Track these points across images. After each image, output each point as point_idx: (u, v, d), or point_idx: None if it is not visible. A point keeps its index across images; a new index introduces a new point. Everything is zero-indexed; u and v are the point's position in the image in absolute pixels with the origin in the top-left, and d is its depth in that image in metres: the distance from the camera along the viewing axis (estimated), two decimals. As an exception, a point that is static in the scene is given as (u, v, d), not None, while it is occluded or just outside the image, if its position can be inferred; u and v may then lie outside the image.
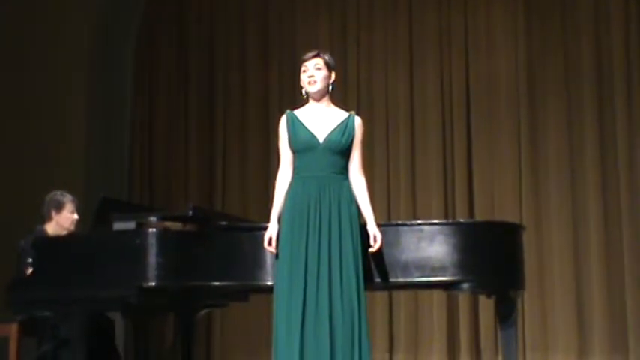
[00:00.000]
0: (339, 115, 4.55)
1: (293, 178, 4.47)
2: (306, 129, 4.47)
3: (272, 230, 4.45)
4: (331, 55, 4.68)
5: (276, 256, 4.42)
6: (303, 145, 4.45)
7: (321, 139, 4.45)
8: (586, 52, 7.88)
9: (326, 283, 4.28)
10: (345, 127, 4.49)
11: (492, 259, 4.88)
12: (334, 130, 4.47)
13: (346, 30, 8.48)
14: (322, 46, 8.08)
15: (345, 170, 4.49)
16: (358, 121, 4.55)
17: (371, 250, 4.45)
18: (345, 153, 4.48)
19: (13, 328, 5.51)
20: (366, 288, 4.40)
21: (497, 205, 7.91)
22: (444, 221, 6.15)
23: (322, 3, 8.61)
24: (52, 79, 8.15)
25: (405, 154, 8.16)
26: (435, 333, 7.82)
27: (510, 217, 7.26)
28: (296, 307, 4.25)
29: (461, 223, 5.27)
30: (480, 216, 7.80)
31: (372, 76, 8.37)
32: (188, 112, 8.79)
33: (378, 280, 4.67)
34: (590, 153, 7.75)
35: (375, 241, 4.45)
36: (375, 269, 4.65)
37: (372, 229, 4.47)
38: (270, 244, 4.44)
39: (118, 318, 6.11)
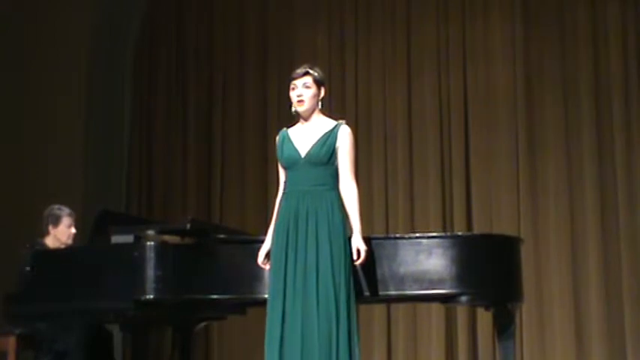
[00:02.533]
0: (326, 126, 4.51)
1: (282, 194, 4.51)
2: (292, 145, 4.48)
3: (264, 247, 4.53)
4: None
5: None
6: (288, 161, 4.48)
7: (303, 153, 4.45)
8: (584, 63, 7.89)
9: (300, 296, 4.28)
10: (327, 138, 4.46)
11: (490, 271, 4.88)
12: (316, 142, 4.45)
13: (344, 41, 8.47)
14: (320, 56, 8.13)
15: (331, 181, 4.45)
16: (343, 130, 4.49)
17: (355, 263, 4.39)
18: (329, 164, 4.45)
19: (11, 342, 5.50)
20: (356, 300, 4.38)
21: (496, 217, 7.90)
22: (442, 234, 6.12)
23: (321, 10, 8.61)
24: (51, 79, 8.14)
25: (403, 165, 8.14)
26: (433, 346, 7.80)
27: (508, 230, 7.27)
28: (276, 322, 4.28)
29: (459, 236, 5.27)
30: (478, 229, 7.78)
31: (370, 88, 8.37)
32: (187, 113, 8.77)
33: (375, 293, 4.65)
34: (589, 165, 7.75)
35: (358, 254, 4.38)
36: (373, 282, 4.64)
37: (356, 242, 4.39)
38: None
39: (116, 331, 6.11)
